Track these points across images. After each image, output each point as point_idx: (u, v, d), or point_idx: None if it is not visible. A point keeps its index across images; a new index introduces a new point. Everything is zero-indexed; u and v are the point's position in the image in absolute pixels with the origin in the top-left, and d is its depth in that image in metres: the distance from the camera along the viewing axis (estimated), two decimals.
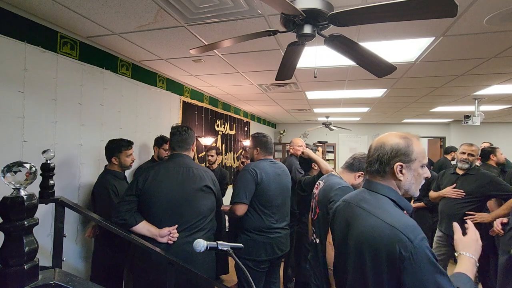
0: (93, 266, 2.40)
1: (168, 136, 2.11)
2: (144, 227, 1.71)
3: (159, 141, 2.98)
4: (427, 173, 1.06)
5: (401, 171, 1.02)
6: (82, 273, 2.45)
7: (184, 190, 1.79)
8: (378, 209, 0.99)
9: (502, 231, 2.39)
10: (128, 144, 2.43)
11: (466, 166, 2.71)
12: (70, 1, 1.79)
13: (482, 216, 2.54)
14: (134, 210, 1.75)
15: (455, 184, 2.76)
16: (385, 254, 0.89)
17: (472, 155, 2.70)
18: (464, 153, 2.74)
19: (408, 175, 1.03)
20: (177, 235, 1.73)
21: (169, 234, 1.72)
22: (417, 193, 1.07)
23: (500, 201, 2.69)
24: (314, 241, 1.84)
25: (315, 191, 1.96)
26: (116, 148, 2.37)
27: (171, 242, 1.71)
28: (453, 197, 2.70)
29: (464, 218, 2.57)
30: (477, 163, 2.79)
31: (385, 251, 0.89)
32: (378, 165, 1.05)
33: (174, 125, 1.99)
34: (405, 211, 1.03)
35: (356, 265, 1.00)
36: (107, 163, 2.45)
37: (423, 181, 1.06)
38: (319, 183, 1.94)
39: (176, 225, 1.75)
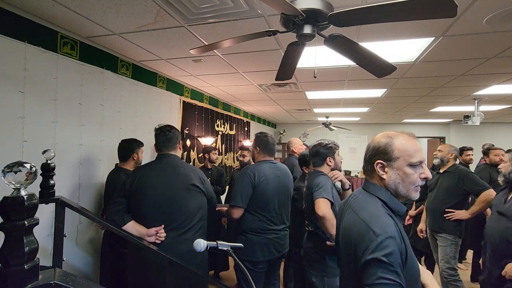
0: (101, 262, 2.44)
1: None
2: (132, 227, 1.74)
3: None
4: (424, 173, 1.00)
5: (383, 170, 1.03)
6: (83, 272, 2.45)
7: (170, 189, 1.80)
8: (360, 207, 1.03)
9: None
10: (141, 142, 2.60)
11: (437, 161, 2.91)
12: (70, 1, 1.79)
13: (460, 214, 2.67)
14: (123, 211, 1.78)
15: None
16: (353, 248, 0.94)
17: (441, 151, 2.90)
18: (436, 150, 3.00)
19: (391, 174, 1.01)
20: (164, 234, 1.74)
21: (156, 233, 1.73)
22: (413, 194, 1.01)
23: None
24: None
25: None
26: (136, 145, 2.52)
27: (158, 241, 1.73)
28: (434, 194, 2.90)
29: (445, 215, 2.71)
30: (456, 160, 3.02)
31: (354, 245, 0.94)
32: (365, 164, 1.10)
33: (157, 126, 1.99)
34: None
35: (343, 258, 1.07)
36: (107, 163, 2.45)
37: (419, 182, 1.00)
38: None
39: (163, 225, 1.76)
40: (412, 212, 3.60)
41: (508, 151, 2.12)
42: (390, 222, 0.93)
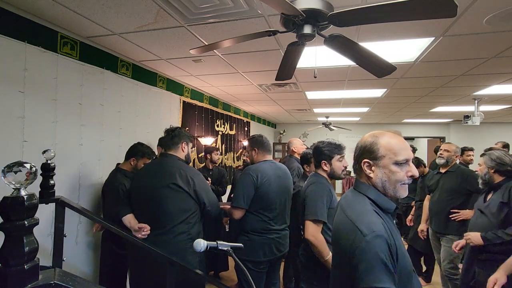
0: (101, 263, 2.44)
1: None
2: (127, 219, 1.82)
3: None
4: (411, 171, 1.00)
5: (369, 168, 1.04)
6: (83, 272, 2.45)
7: (152, 187, 1.83)
8: (349, 206, 1.05)
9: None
10: (151, 154, 2.53)
11: (442, 161, 2.82)
12: (70, 1, 1.79)
13: (465, 213, 2.65)
14: (127, 205, 1.90)
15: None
16: (345, 248, 0.95)
17: (447, 151, 2.82)
18: (441, 149, 2.90)
19: (378, 172, 1.02)
20: (147, 232, 1.79)
21: (140, 229, 1.79)
22: (400, 192, 1.01)
23: None
24: None
25: None
26: (140, 152, 2.45)
27: (143, 236, 1.78)
28: (437, 196, 2.82)
29: (450, 216, 2.68)
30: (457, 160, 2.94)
31: (346, 244, 0.95)
32: (354, 163, 1.12)
33: (168, 127, 2.06)
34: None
35: (334, 257, 1.10)
36: (106, 163, 2.45)
37: (406, 180, 1.00)
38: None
39: (145, 223, 1.81)
40: (411, 215, 3.60)
41: (482, 155, 2.20)
42: (377, 220, 0.94)
